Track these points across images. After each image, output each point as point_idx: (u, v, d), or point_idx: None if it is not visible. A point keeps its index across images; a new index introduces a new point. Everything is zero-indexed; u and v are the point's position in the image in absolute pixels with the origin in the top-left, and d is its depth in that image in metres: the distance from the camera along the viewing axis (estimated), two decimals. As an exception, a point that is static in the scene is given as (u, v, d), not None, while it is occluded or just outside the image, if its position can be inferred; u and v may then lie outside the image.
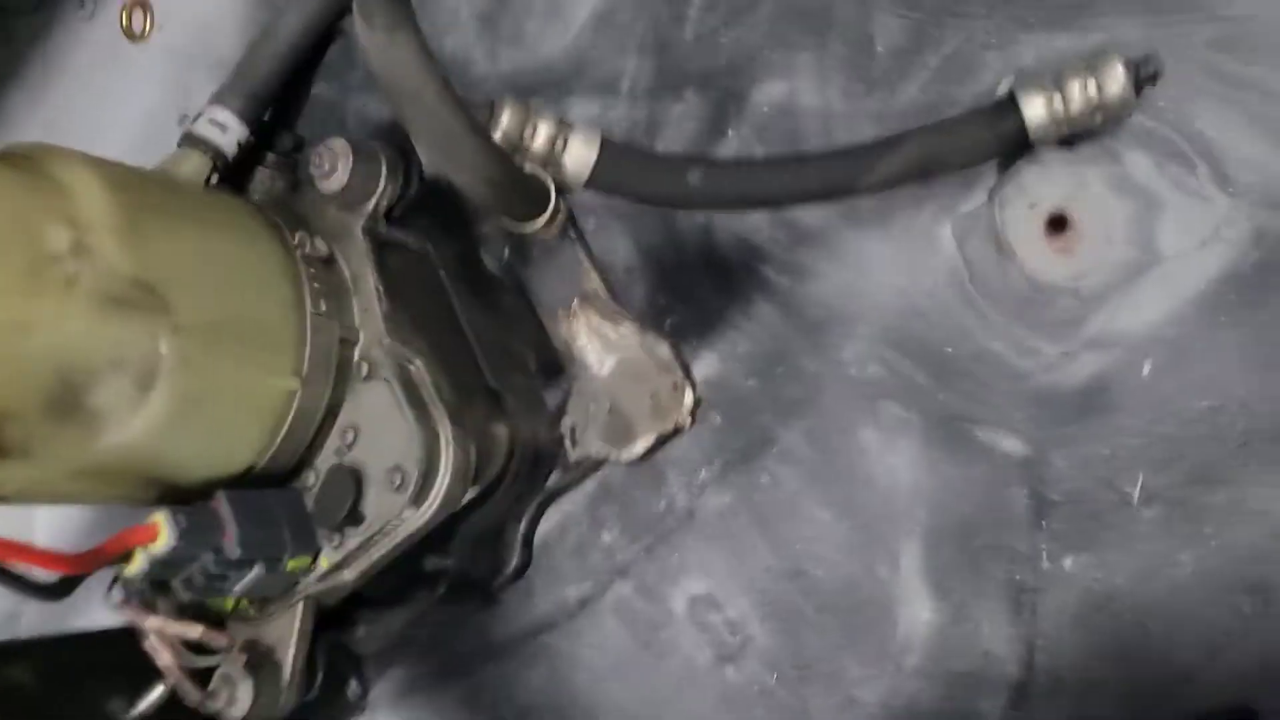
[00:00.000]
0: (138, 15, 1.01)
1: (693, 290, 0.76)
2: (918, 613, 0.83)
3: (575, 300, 0.69)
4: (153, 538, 0.54)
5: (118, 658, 0.66)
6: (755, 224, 0.76)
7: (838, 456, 0.86)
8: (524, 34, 0.92)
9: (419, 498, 0.60)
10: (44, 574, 0.51)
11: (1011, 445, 0.77)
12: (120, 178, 0.53)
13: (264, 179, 0.67)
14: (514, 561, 0.71)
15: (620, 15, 0.87)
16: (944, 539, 0.82)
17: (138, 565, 0.54)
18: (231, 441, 0.57)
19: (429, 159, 0.52)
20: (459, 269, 0.69)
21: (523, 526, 0.70)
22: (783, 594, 0.89)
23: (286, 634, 0.64)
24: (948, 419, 0.79)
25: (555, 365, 0.70)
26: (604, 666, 0.96)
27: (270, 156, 0.66)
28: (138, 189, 0.54)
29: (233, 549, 0.56)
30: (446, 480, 0.60)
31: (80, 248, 0.49)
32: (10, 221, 0.47)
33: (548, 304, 0.71)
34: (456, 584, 0.65)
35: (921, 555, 0.82)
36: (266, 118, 0.66)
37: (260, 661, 0.63)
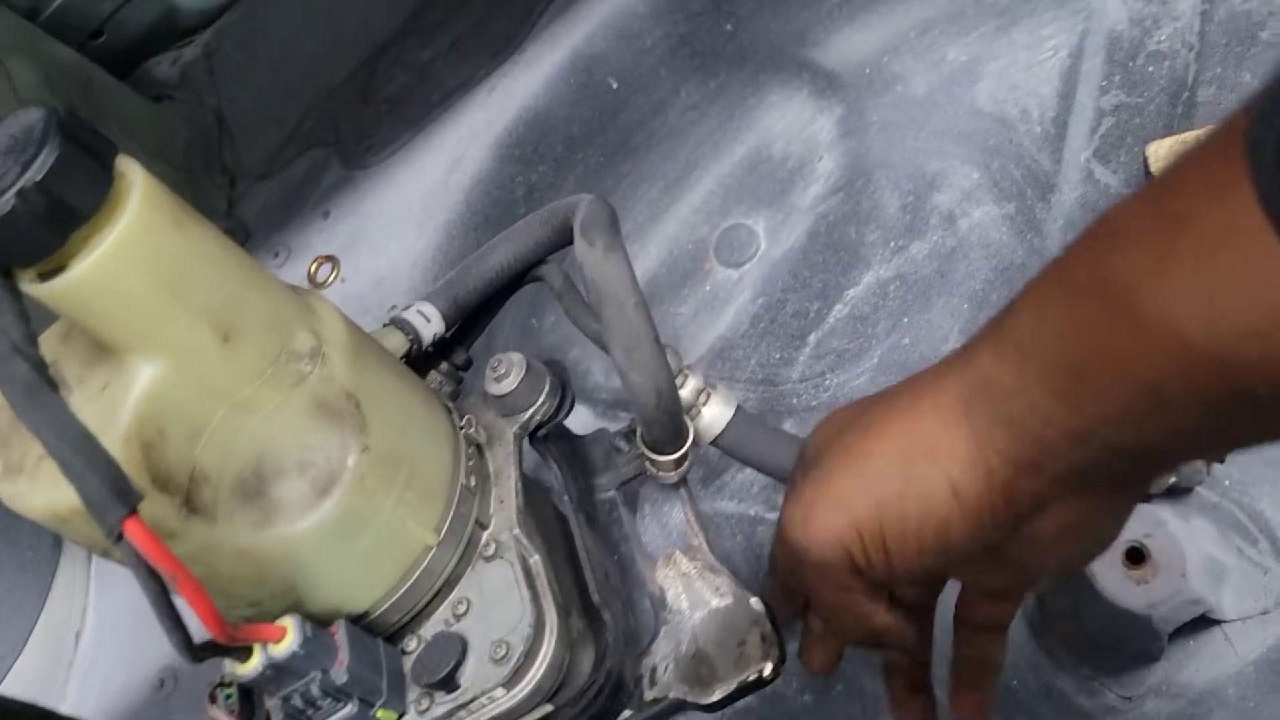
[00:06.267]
0: (325, 268, 1.16)
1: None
2: None
3: (676, 550, 0.75)
4: (277, 638, 0.56)
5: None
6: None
7: None
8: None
9: (515, 678, 0.62)
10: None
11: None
12: (350, 322, 0.62)
13: (434, 381, 0.76)
14: (556, 802, 0.69)
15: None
16: None
17: (254, 664, 0.56)
18: (367, 574, 0.61)
19: (618, 357, 0.61)
20: (579, 499, 0.75)
21: (580, 761, 0.70)
22: None
23: (341, 799, 0.63)
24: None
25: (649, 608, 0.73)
26: None
27: (444, 364, 0.76)
28: (361, 332, 0.63)
29: (340, 674, 0.58)
30: (544, 666, 0.63)
31: (316, 354, 0.57)
32: (277, 317, 0.56)
33: (649, 551, 0.76)
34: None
35: None
36: (449, 335, 0.76)
37: (310, 823, 0.62)
